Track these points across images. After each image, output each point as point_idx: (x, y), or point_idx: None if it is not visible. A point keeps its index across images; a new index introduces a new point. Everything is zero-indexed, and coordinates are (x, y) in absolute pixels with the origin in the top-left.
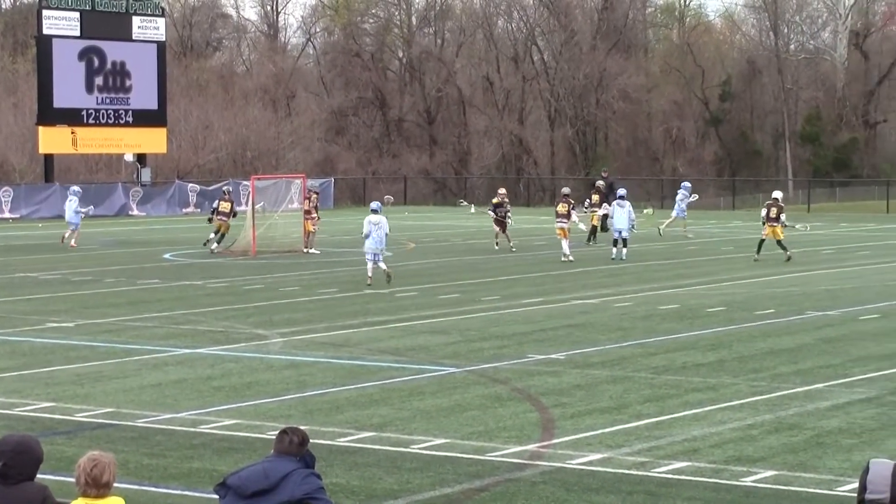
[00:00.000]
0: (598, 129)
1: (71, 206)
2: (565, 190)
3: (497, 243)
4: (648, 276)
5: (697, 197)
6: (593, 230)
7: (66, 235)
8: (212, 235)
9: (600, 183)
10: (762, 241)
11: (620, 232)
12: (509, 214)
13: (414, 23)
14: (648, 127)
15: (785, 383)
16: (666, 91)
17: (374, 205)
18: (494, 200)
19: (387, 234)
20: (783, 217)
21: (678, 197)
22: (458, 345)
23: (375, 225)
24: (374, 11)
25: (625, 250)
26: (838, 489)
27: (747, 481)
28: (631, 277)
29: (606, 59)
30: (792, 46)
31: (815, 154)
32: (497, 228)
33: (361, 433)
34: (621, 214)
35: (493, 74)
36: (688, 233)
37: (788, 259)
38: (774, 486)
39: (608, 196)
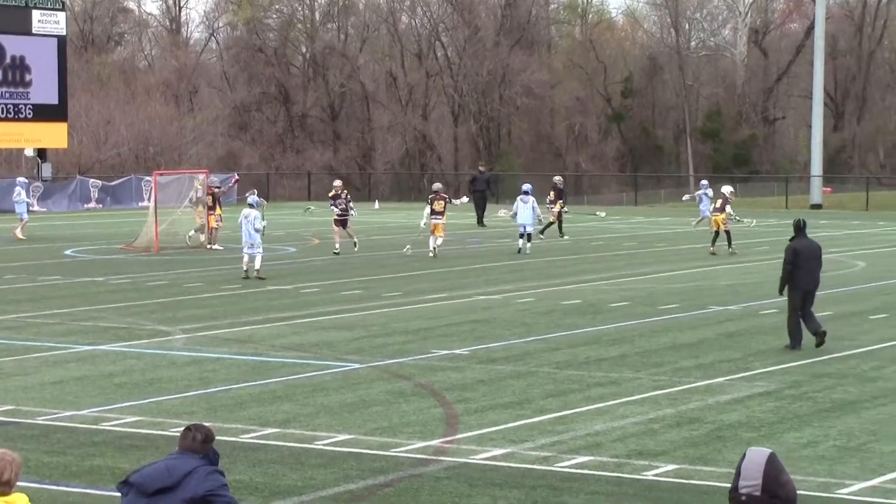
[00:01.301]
0: (502, 124)
1: (19, 197)
2: (436, 186)
3: (337, 245)
4: (551, 272)
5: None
6: (549, 225)
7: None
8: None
9: (557, 179)
10: (716, 232)
11: (525, 227)
12: (352, 208)
13: (317, 18)
14: (551, 123)
15: (686, 377)
16: (569, 87)
17: (252, 199)
18: (331, 194)
19: (258, 230)
20: (728, 209)
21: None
22: (362, 340)
23: (245, 218)
24: (277, 7)
25: (529, 245)
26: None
27: (649, 475)
28: (534, 273)
29: (510, 56)
30: (693, 43)
31: (715, 150)
32: (336, 228)
33: (265, 430)
34: (525, 210)
35: (396, 70)
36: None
37: (715, 254)
38: (675, 480)
39: (491, 188)
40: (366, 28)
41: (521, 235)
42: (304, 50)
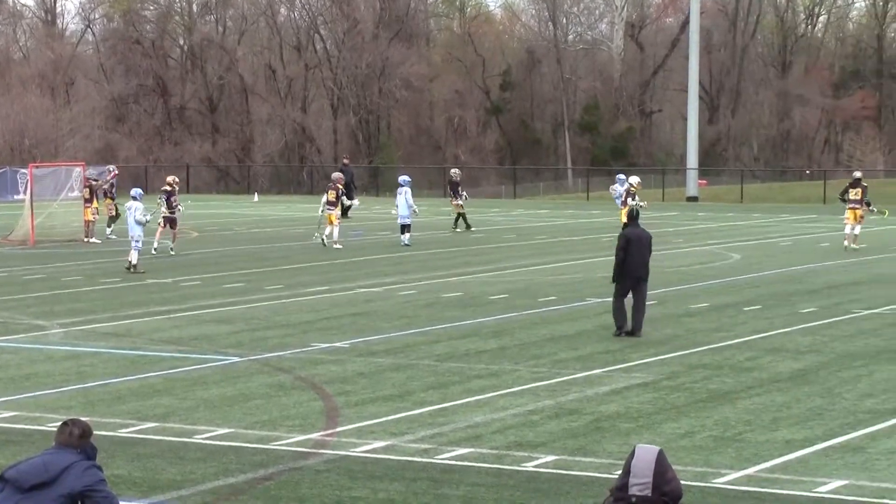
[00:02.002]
0: (381, 117)
1: None
2: (335, 175)
3: (155, 248)
4: (433, 265)
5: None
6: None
7: None
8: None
9: (454, 172)
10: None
11: (401, 218)
12: (180, 207)
13: (195, 10)
14: (430, 115)
15: (565, 369)
16: (448, 80)
17: (134, 191)
18: (166, 188)
19: (139, 222)
20: (629, 200)
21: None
22: (242, 334)
23: (128, 210)
24: None
25: (407, 236)
26: (616, 472)
27: (529, 466)
28: (415, 265)
29: (389, 48)
30: (570, 37)
31: (593, 143)
32: (162, 227)
33: (144, 424)
34: (400, 201)
35: (275, 62)
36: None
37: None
38: (555, 471)
39: (353, 181)
40: (244, 20)
41: (402, 227)
42: (181, 42)
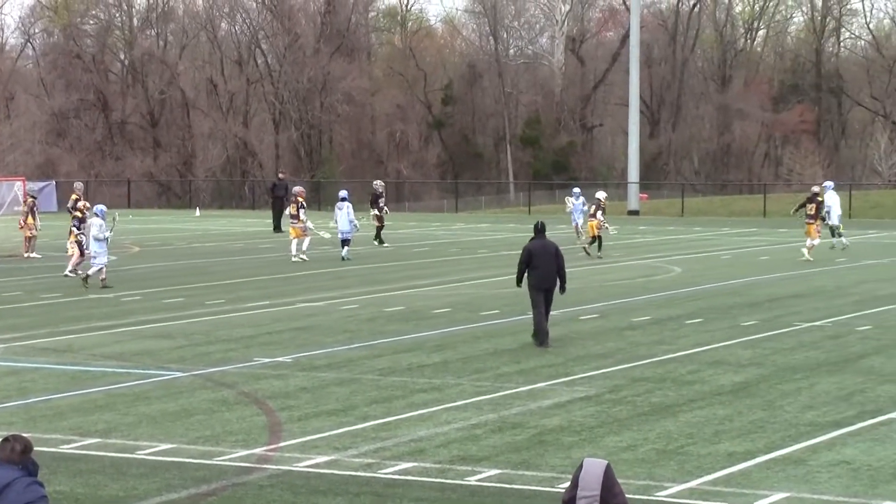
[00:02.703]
0: (323, 131)
1: None
2: (296, 189)
3: (75, 273)
4: (375, 279)
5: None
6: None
7: None
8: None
9: (377, 183)
10: (593, 237)
11: (343, 234)
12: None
13: (136, 24)
14: (372, 130)
15: (508, 383)
16: (389, 94)
17: (96, 208)
18: (74, 205)
19: (97, 238)
20: (600, 215)
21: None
22: (184, 349)
23: (87, 225)
24: (94, 13)
25: (347, 249)
26: (559, 486)
27: (472, 480)
28: (357, 280)
29: (330, 63)
30: (511, 51)
31: (535, 157)
32: (73, 251)
33: (86, 440)
34: (342, 216)
35: (217, 77)
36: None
37: (587, 254)
38: (498, 485)
39: (289, 195)
40: (185, 35)
41: (342, 242)
42: (122, 56)
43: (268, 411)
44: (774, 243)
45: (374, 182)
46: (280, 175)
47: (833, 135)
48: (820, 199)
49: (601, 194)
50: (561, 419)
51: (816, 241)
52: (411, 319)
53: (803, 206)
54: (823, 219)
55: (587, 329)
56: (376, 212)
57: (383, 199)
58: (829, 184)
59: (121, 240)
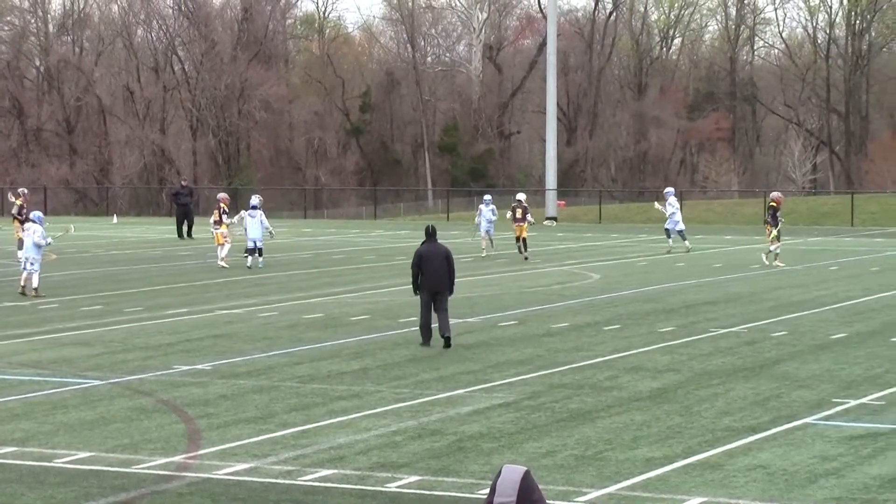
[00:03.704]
0: (241, 138)
1: None
2: (220, 195)
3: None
4: (293, 286)
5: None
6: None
7: None
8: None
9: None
10: (519, 238)
11: (255, 241)
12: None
13: (51, 30)
14: (290, 137)
15: (427, 390)
16: (307, 102)
17: (34, 214)
18: (17, 211)
19: (38, 245)
20: (529, 216)
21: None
22: (102, 357)
23: (25, 231)
24: (9, 19)
25: (261, 259)
26: (479, 492)
27: (392, 487)
28: (275, 287)
29: (247, 70)
30: (429, 59)
31: (453, 164)
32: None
33: (2, 448)
34: (254, 224)
35: (133, 84)
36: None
37: (526, 259)
38: (418, 491)
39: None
40: (101, 41)
41: (251, 251)
42: (38, 63)
43: (187, 419)
44: (691, 250)
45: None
46: (183, 182)
47: (748, 142)
48: (773, 204)
49: (521, 196)
50: (480, 426)
51: (774, 248)
52: (330, 326)
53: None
54: (772, 224)
55: (506, 336)
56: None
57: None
58: (670, 190)
59: None
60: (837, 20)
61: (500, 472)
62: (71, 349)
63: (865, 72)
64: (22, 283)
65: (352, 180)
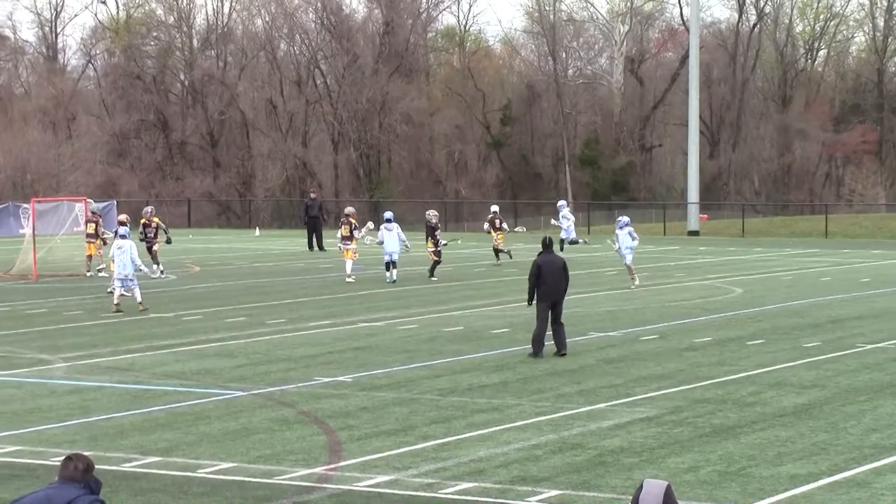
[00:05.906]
0: (382, 151)
1: None
2: (348, 210)
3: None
4: (434, 299)
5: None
6: None
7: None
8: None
9: (431, 213)
10: (497, 248)
11: (391, 255)
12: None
13: (195, 45)
14: (431, 150)
15: (568, 403)
16: (448, 115)
17: (122, 230)
18: (144, 220)
19: (135, 262)
20: (505, 225)
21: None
22: (245, 368)
23: (119, 249)
24: (154, 34)
25: (395, 272)
26: None
27: (532, 501)
28: (417, 300)
29: (389, 83)
30: (570, 72)
31: (593, 177)
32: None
33: (147, 458)
34: (391, 237)
35: (276, 97)
36: None
37: (498, 265)
38: None
39: (323, 214)
40: (244, 55)
41: (388, 264)
42: (182, 77)
43: (328, 431)
44: (836, 264)
45: (428, 212)
46: (312, 195)
47: (895, 155)
48: None
49: (494, 207)
50: (621, 440)
51: None
52: (470, 339)
53: None
54: None
55: (647, 350)
56: (433, 246)
57: (439, 230)
58: (563, 202)
59: (181, 259)
60: None
61: (641, 486)
62: (214, 360)
63: None
64: (116, 302)
65: (492, 193)
